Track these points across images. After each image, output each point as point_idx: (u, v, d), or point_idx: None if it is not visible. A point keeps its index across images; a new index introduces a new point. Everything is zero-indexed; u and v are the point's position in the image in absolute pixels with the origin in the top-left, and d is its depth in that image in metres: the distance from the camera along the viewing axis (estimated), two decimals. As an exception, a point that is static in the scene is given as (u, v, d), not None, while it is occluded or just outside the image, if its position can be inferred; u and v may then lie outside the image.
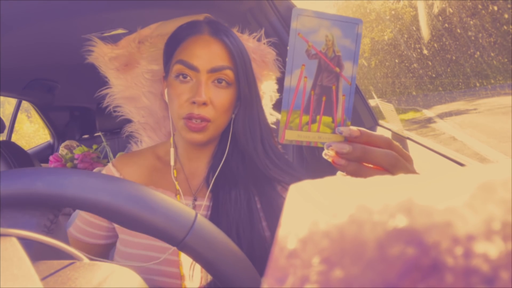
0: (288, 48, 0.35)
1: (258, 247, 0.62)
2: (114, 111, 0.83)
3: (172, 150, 0.72)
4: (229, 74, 0.66)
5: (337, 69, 0.36)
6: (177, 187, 0.71)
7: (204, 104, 0.64)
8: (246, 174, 0.69)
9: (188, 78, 0.65)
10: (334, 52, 0.35)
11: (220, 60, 0.65)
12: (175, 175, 0.72)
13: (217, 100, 0.65)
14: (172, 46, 0.70)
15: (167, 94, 0.70)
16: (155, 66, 0.81)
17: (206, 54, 0.65)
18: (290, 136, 0.36)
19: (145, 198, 0.31)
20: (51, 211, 0.31)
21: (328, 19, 0.35)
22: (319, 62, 0.35)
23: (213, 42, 0.66)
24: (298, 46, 0.35)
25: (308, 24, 0.35)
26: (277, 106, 1.00)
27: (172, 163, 0.72)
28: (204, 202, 0.69)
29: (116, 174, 0.71)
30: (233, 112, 0.71)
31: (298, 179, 0.75)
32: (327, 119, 0.36)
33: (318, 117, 0.36)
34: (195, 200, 0.70)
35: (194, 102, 0.64)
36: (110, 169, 0.72)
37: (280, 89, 0.90)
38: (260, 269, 0.31)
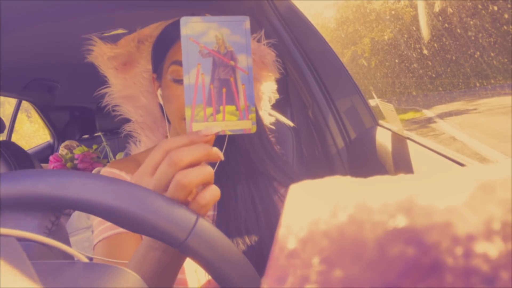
0: (182, 52, 0.38)
1: (268, 243, 0.62)
2: (113, 111, 0.83)
3: None
4: None
5: (232, 63, 0.39)
6: None
7: None
8: (245, 170, 0.69)
9: None
10: (226, 48, 0.39)
11: None
12: None
13: None
14: (164, 47, 0.69)
15: (162, 95, 0.69)
16: None
17: None
18: (197, 127, 0.38)
19: (146, 200, 0.31)
20: (53, 213, 0.31)
21: (215, 21, 0.38)
22: (213, 59, 0.38)
23: None
24: (190, 48, 0.38)
25: (197, 29, 0.38)
26: (277, 106, 1.00)
27: None
28: None
29: (122, 174, 0.70)
30: None
31: (294, 175, 0.76)
32: (231, 108, 0.39)
33: (221, 107, 0.39)
34: None
35: None
36: (111, 172, 0.71)
37: (280, 89, 0.90)
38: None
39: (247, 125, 0.39)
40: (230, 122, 0.39)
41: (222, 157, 0.39)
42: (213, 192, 0.37)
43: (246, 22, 0.39)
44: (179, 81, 0.65)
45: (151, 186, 0.36)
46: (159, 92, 0.71)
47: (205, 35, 0.38)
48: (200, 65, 0.38)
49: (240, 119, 0.39)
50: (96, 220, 0.65)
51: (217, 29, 0.38)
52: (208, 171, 0.37)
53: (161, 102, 0.71)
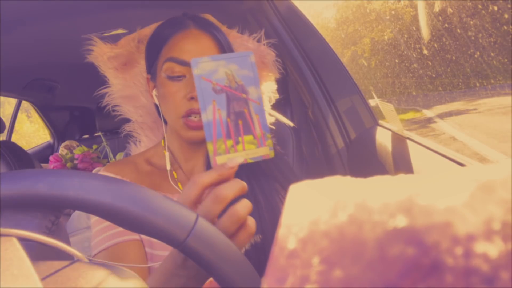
0: (196, 91, 0.41)
1: (270, 242, 0.62)
2: (113, 111, 0.83)
3: (167, 154, 0.71)
4: None
5: (244, 95, 0.42)
6: (181, 187, 0.70)
7: None
8: (248, 170, 0.69)
9: (182, 76, 0.65)
10: (236, 83, 0.41)
11: (211, 53, 0.65)
12: (175, 176, 0.71)
13: None
14: (157, 46, 0.68)
15: (158, 95, 0.69)
16: None
17: (196, 48, 0.64)
18: (221, 160, 0.41)
19: (146, 199, 0.31)
20: (53, 213, 0.31)
21: (222, 59, 0.41)
22: (226, 94, 0.41)
23: (202, 36, 0.66)
24: (204, 87, 0.41)
25: (207, 68, 0.41)
26: (277, 106, 1.00)
27: (168, 167, 0.70)
28: None
29: (117, 178, 0.70)
30: None
31: (294, 176, 0.75)
32: (248, 137, 0.42)
33: (240, 138, 0.42)
34: None
35: (192, 98, 0.63)
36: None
37: (280, 90, 0.90)
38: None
39: (265, 151, 0.42)
40: (250, 151, 0.42)
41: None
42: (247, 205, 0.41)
43: (251, 57, 0.42)
44: (174, 78, 0.65)
45: None
46: (154, 92, 0.71)
47: (216, 73, 0.41)
48: (215, 101, 0.41)
49: (259, 147, 0.42)
50: (94, 229, 0.64)
51: (225, 66, 0.41)
52: (243, 185, 0.41)
53: (157, 103, 0.71)
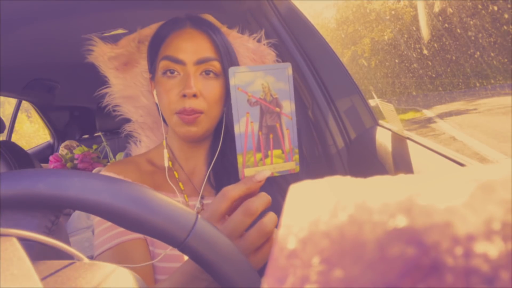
0: (231, 101, 0.41)
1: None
2: (114, 111, 0.83)
3: (165, 151, 0.71)
4: (216, 65, 0.66)
5: (277, 109, 0.41)
6: (182, 187, 0.70)
7: (195, 96, 0.63)
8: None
9: (176, 73, 0.65)
10: (271, 96, 0.41)
11: (206, 51, 0.65)
12: (176, 176, 0.72)
13: (207, 91, 0.65)
14: (156, 45, 0.69)
15: (157, 93, 0.70)
16: None
17: (191, 46, 0.65)
18: (249, 173, 0.41)
19: (146, 199, 0.31)
20: (53, 212, 0.31)
21: (260, 70, 0.41)
22: (260, 107, 0.41)
23: (197, 35, 0.66)
24: (239, 98, 0.40)
25: (244, 79, 0.40)
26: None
27: (166, 164, 0.70)
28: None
29: (119, 177, 0.69)
30: (225, 105, 0.71)
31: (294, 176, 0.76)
32: (277, 152, 0.42)
33: (269, 152, 0.42)
34: (202, 198, 0.69)
35: (184, 95, 0.63)
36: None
37: None
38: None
39: (291, 166, 0.43)
40: (277, 165, 0.42)
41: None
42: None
43: (288, 69, 0.42)
44: (169, 76, 0.65)
45: (226, 233, 0.39)
46: (154, 92, 0.72)
47: (252, 84, 0.40)
48: (249, 113, 0.41)
49: (286, 161, 0.43)
50: (98, 228, 0.64)
51: (263, 77, 0.41)
52: (269, 198, 0.41)
53: (156, 101, 0.72)
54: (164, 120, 0.73)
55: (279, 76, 0.41)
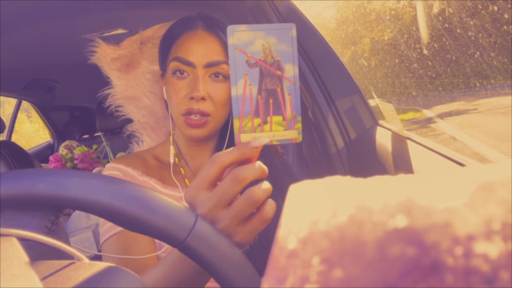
0: (229, 62, 0.38)
1: (271, 242, 0.62)
2: (116, 111, 0.84)
3: (171, 147, 0.72)
4: (225, 68, 0.66)
5: (279, 72, 0.38)
6: (188, 183, 0.71)
7: (203, 99, 0.64)
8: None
9: (185, 74, 0.66)
10: (272, 57, 0.38)
11: (216, 54, 0.65)
12: (182, 172, 0.73)
13: (215, 94, 0.65)
14: (168, 44, 0.70)
15: (166, 92, 0.70)
16: (157, 66, 0.82)
17: (202, 49, 0.65)
18: (246, 138, 0.39)
19: (146, 199, 0.31)
20: (52, 212, 0.31)
21: (261, 29, 0.38)
22: (260, 69, 0.38)
23: (208, 37, 0.66)
24: (238, 58, 0.38)
25: (244, 38, 0.38)
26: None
27: (171, 160, 0.72)
28: None
29: (128, 169, 0.70)
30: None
31: (294, 175, 0.76)
32: (277, 118, 0.39)
33: (268, 118, 0.39)
34: None
35: (192, 98, 0.64)
36: (117, 167, 0.71)
37: None
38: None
39: (293, 135, 0.40)
40: (277, 133, 0.39)
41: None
42: (267, 189, 0.38)
43: (293, 30, 0.38)
44: (178, 77, 0.66)
45: (213, 201, 0.37)
46: (164, 89, 0.72)
47: (252, 45, 0.38)
48: (248, 75, 0.38)
49: (287, 129, 0.39)
50: None
51: (263, 38, 0.38)
52: (265, 169, 0.38)
53: (166, 98, 0.72)
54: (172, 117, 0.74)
55: (282, 37, 0.38)
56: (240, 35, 0.38)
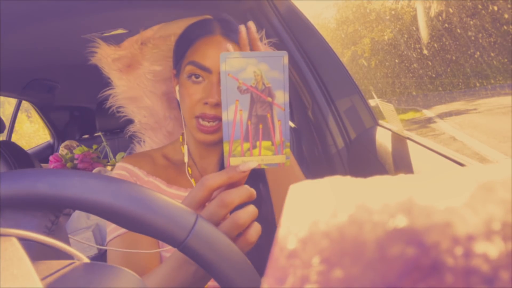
0: (220, 88, 0.39)
1: (270, 242, 0.63)
2: (117, 112, 0.84)
3: (185, 146, 0.73)
4: None
5: (269, 99, 0.39)
6: (194, 183, 0.71)
7: (217, 105, 0.64)
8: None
9: (200, 78, 0.66)
10: (264, 84, 0.39)
11: None
12: (190, 172, 0.73)
13: None
14: (184, 46, 0.70)
15: (179, 92, 0.71)
16: (157, 67, 0.82)
17: (218, 55, 0.65)
18: (235, 162, 0.40)
19: (146, 199, 0.31)
20: (52, 212, 0.31)
21: (254, 56, 0.39)
22: (251, 95, 0.39)
23: (226, 43, 0.66)
24: (229, 85, 0.39)
25: (236, 65, 0.39)
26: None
27: (185, 159, 0.72)
28: None
29: (134, 169, 0.71)
30: None
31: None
32: (266, 143, 0.40)
33: (258, 143, 0.40)
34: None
35: (206, 103, 0.64)
36: (125, 167, 0.71)
37: None
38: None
39: (281, 160, 0.40)
40: (265, 157, 0.40)
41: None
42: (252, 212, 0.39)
43: (284, 58, 0.39)
44: (194, 81, 0.66)
45: None
46: (177, 88, 0.73)
47: (244, 71, 0.39)
48: (238, 101, 0.39)
49: (275, 154, 0.40)
50: None
51: (255, 65, 0.39)
52: (252, 192, 0.39)
53: (178, 98, 0.73)
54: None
55: (274, 64, 0.39)
56: (232, 62, 0.39)
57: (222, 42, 0.66)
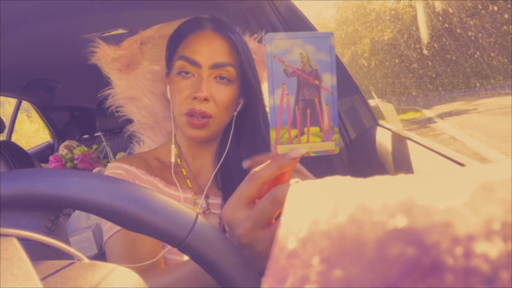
0: (266, 71, 0.37)
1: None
2: (117, 111, 0.84)
3: (173, 147, 0.72)
4: (231, 70, 0.66)
5: (317, 82, 0.37)
6: (190, 184, 0.71)
7: (206, 100, 0.64)
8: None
9: (190, 74, 0.66)
10: (311, 66, 0.37)
11: (222, 56, 0.65)
12: (184, 173, 0.73)
13: (218, 96, 0.65)
14: (175, 43, 0.70)
15: (169, 91, 0.70)
16: (157, 66, 0.81)
17: (208, 50, 0.65)
18: (282, 150, 0.37)
19: (146, 199, 0.31)
20: (52, 212, 0.31)
21: (300, 38, 0.37)
22: (298, 78, 0.37)
23: (216, 38, 0.66)
24: (275, 67, 0.36)
25: (281, 46, 0.36)
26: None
27: (172, 159, 0.71)
28: (218, 200, 0.70)
29: (131, 168, 0.70)
30: (235, 110, 0.71)
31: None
32: (315, 129, 0.38)
33: (306, 129, 0.38)
34: (207, 197, 0.70)
35: (195, 98, 0.64)
36: (121, 166, 0.70)
37: None
38: None
39: (330, 147, 0.39)
40: (314, 144, 0.38)
41: None
42: None
43: (331, 38, 0.37)
44: (183, 76, 0.66)
45: (252, 221, 0.35)
46: (168, 87, 0.72)
47: (290, 53, 0.37)
48: (285, 85, 0.37)
49: (324, 140, 0.38)
50: None
51: (301, 46, 0.37)
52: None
53: (169, 97, 0.72)
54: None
55: (320, 45, 0.37)
56: (278, 43, 0.36)
57: (212, 37, 0.66)
